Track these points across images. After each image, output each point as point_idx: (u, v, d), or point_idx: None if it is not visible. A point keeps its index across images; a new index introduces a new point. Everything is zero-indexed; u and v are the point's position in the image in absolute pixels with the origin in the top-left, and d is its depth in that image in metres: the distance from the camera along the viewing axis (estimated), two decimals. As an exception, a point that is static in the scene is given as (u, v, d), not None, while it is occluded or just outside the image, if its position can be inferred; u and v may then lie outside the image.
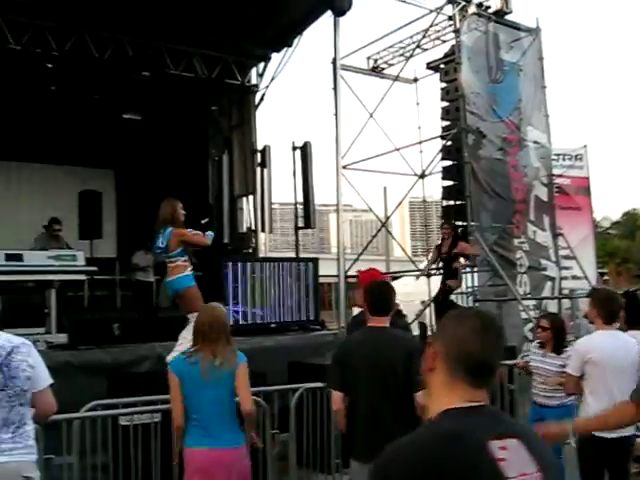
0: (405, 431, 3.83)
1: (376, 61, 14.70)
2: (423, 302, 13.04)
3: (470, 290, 12.30)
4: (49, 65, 11.62)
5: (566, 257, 12.88)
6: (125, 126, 13.94)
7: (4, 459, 3.54)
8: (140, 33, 11.92)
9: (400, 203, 15.04)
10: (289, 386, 6.43)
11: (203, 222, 7.32)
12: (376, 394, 4.07)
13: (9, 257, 9.44)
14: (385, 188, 19.77)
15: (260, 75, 13.78)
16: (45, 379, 3.76)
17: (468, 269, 11.83)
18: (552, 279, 12.29)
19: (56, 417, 4.09)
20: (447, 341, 1.81)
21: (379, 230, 14.56)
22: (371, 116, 13.70)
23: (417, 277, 12.79)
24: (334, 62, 11.81)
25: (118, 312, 10.38)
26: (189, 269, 6.93)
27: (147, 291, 12.54)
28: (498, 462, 1.63)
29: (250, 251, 12.83)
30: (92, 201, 12.06)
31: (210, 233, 7.24)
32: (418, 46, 13.56)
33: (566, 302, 10.86)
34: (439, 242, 11.18)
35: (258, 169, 12.65)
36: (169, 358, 6.61)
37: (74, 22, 11.51)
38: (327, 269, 11.96)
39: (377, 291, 4.43)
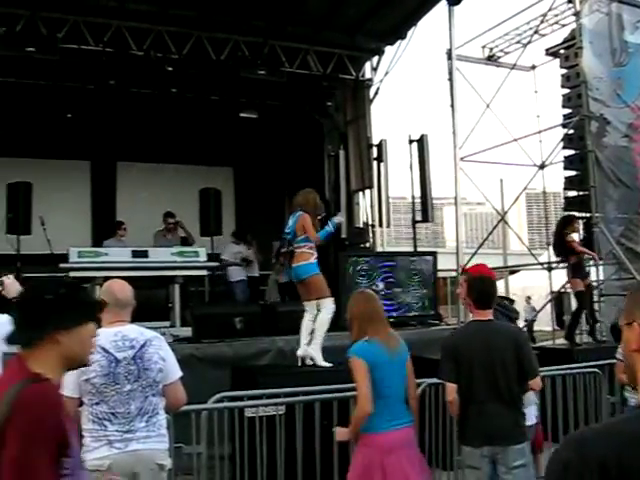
0: (513, 418, 3.92)
1: (491, 50, 14.33)
2: (551, 293, 12.50)
3: (595, 284, 11.80)
4: (169, 68, 11.98)
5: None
6: (242, 125, 14.24)
7: (139, 446, 3.67)
8: (255, 33, 12.13)
9: (520, 195, 14.65)
10: (413, 381, 6.36)
11: (319, 217, 7.35)
12: (486, 384, 4.28)
13: (135, 254, 9.87)
14: (501, 180, 19.34)
15: (374, 69, 13.71)
16: (176, 372, 3.88)
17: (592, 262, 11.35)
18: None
19: (185, 408, 4.20)
20: None
21: (498, 223, 14.23)
22: (488, 106, 13.39)
23: (549, 269, 12.22)
24: (449, 53, 11.65)
25: (239, 306, 10.59)
26: (314, 257, 7.00)
27: (256, 286, 12.82)
28: None
29: (367, 245, 12.83)
30: (212, 199, 12.38)
31: (336, 219, 7.32)
32: (536, 32, 13.11)
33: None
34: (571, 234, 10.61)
35: (375, 163, 12.61)
36: (302, 351, 6.75)
37: (192, 26, 11.85)
38: (441, 263, 11.80)
39: (480, 285, 4.50)
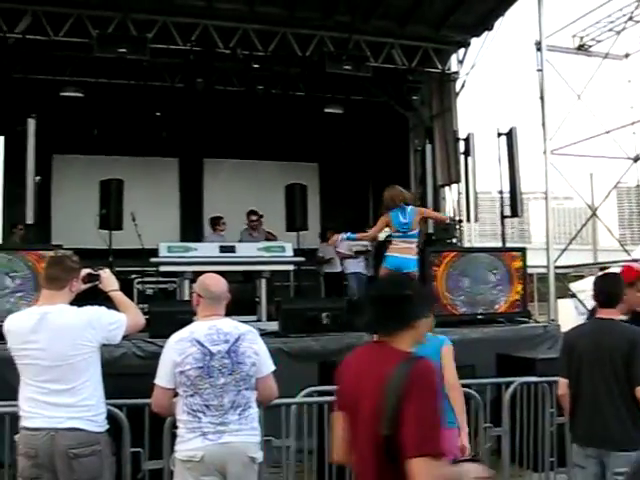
0: (620, 422, 3.81)
1: (582, 39, 13.93)
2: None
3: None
4: (255, 65, 12.10)
5: None
6: (327, 120, 14.28)
7: (232, 439, 3.71)
8: (340, 29, 12.11)
9: (612, 189, 14.20)
10: (502, 379, 6.24)
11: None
12: (595, 382, 4.19)
13: (223, 249, 10.02)
14: (591, 174, 18.79)
15: (460, 62, 13.46)
16: (268, 366, 3.90)
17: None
18: None
19: (276, 401, 4.23)
20: None
21: (589, 218, 13.83)
22: (578, 97, 13.03)
23: None
24: (539, 43, 11.36)
25: (326, 301, 10.62)
26: (414, 252, 7.08)
27: (338, 282, 12.78)
28: None
29: (454, 241, 12.64)
30: (298, 194, 12.45)
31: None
32: (630, 18, 12.66)
33: None
34: None
35: (462, 157, 12.41)
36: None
37: (277, 23, 11.94)
38: (528, 259, 11.51)
39: (601, 284, 4.45)
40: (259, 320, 9.63)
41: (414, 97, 12.95)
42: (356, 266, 12.34)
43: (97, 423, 3.72)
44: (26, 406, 3.68)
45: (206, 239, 11.92)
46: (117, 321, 3.84)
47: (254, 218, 12.28)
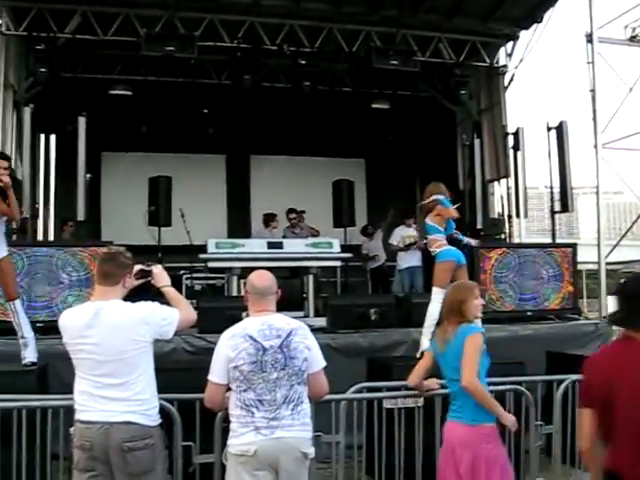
0: None
1: (634, 29, 13.59)
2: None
3: None
4: (302, 62, 12.11)
5: None
6: (374, 116, 14.25)
7: (284, 434, 3.72)
8: (387, 23, 12.05)
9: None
10: (554, 377, 6.13)
11: (454, 208, 7.27)
12: None
13: (270, 245, 10.04)
14: (644, 168, 18.36)
15: (509, 55, 13.25)
16: (320, 361, 3.90)
17: None
18: None
19: (325, 397, 4.22)
20: None
21: (642, 213, 13.52)
22: (630, 90, 12.73)
23: None
24: (589, 35, 11.14)
25: (373, 297, 10.59)
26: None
27: (384, 277, 12.72)
28: None
29: (503, 237, 12.48)
30: (345, 190, 12.43)
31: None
32: (684, 9, 12.32)
33: None
34: None
35: (511, 152, 12.26)
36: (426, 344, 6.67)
37: (324, 19, 11.92)
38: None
39: None
40: (306, 316, 9.63)
41: (462, 91, 12.81)
42: (410, 259, 11.86)
43: (150, 417, 3.76)
44: (80, 399, 3.73)
45: (257, 235, 11.94)
46: (170, 316, 3.87)
47: (292, 216, 12.36)
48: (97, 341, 3.68)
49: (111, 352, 3.68)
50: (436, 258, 6.95)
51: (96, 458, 3.63)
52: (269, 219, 12.15)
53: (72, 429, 3.82)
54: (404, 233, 11.89)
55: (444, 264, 6.88)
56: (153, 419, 3.78)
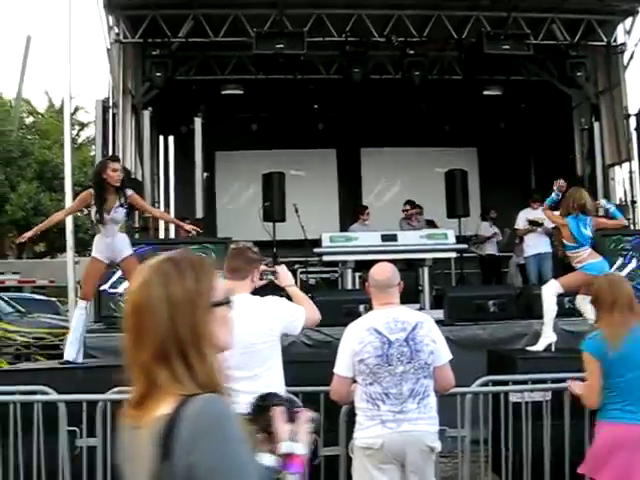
0: None
1: None
2: None
3: None
4: (410, 52, 11.98)
5: None
6: (486, 103, 13.96)
7: (410, 427, 3.69)
8: (497, 8, 11.73)
9: None
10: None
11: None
12: None
13: (385, 237, 10.00)
14: None
15: (627, 32, 12.55)
16: (446, 354, 3.85)
17: None
18: None
19: (451, 390, 4.16)
20: None
21: None
22: None
23: None
24: None
25: (491, 288, 10.35)
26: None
27: (496, 266, 12.42)
28: None
29: (626, 223, 11.92)
30: (459, 180, 12.24)
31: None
32: None
33: None
34: None
35: (634, 134, 11.70)
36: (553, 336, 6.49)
37: (431, 7, 11.75)
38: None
39: None
40: (422, 308, 9.54)
41: (578, 73, 12.27)
42: (537, 244, 11.01)
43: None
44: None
45: (350, 229, 11.75)
46: (297, 313, 3.91)
47: (408, 207, 12.28)
48: None
49: (241, 345, 3.73)
50: (583, 268, 6.63)
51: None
52: (360, 212, 12.07)
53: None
54: (530, 216, 11.06)
55: (586, 276, 6.49)
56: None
